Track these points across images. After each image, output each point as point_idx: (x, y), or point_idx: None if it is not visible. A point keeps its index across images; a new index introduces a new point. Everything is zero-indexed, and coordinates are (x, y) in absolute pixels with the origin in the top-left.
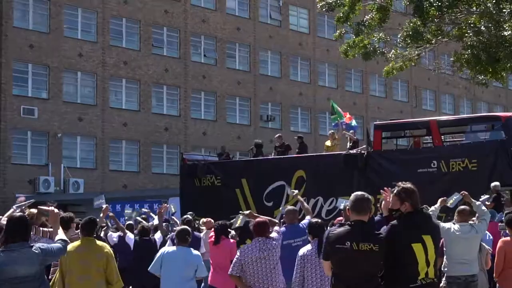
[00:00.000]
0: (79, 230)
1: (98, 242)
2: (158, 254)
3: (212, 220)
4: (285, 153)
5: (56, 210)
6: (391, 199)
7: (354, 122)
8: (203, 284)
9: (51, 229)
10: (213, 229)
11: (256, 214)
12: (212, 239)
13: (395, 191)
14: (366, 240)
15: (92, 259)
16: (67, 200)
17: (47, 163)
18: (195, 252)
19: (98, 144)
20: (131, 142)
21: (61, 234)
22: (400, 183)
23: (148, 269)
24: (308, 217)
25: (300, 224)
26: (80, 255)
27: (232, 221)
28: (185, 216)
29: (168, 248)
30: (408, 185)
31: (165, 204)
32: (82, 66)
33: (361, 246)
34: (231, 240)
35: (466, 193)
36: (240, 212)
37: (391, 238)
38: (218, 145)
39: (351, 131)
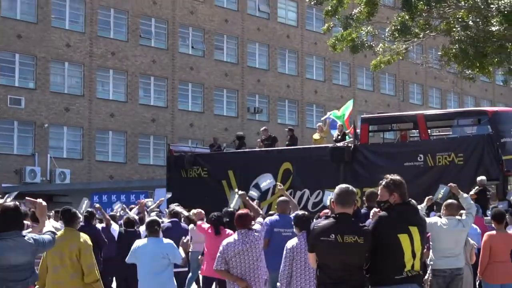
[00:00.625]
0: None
1: (76, 233)
2: (132, 248)
3: (203, 211)
4: (272, 146)
5: (44, 203)
6: (379, 191)
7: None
8: (190, 274)
9: (35, 224)
10: (204, 220)
11: (249, 199)
12: (210, 230)
13: (383, 183)
14: (351, 232)
15: (66, 250)
16: (53, 190)
17: (34, 153)
18: (166, 240)
19: (85, 134)
20: (118, 133)
21: (49, 226)
22: (388, 175)
23: (126, 260)
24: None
25: (291, 216)
26: (57, 246)
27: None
28: (171, 208)
29: (140, 241)
30: (396, 176)
31: (143, 201)
32: (70, 57)
33: (345, 238)
34: (230, 231)
35: (454, 185)
36: (236, 190)
37: (379, 229)
38: (205, 137)
39: (339, 124)
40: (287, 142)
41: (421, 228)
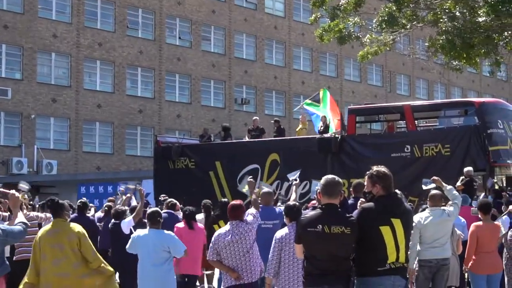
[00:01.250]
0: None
1: (68, 224)
2: (131, 239)
3: (178, 203)
4: (259, 137)
5: (16, 194)
6: (365, 182)
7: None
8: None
9: (4, 213)
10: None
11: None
12: (183, 225)
13: (368, 174)
14: (337, 223)
15: (65, 241)
16: (40, 181)
17: (20, 144)
18: (168, 232)
19: (72, 125)
20: (105, 123)
21: (21, 217)
22: (374, 166)
23: (126, 248)
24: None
25: (276, 208)
26: (51, 239)
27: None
28: (169, 200)
29: (140, 231)
30: (381, 168)
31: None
32: (57, 47)
33: (332, 229)
34: (200, 225)
35: (437, 178)
36: (248, 179)
37: (360, 220)
38: (193, 128)
39: (322, 115)
40: (274, 134)
41: (405, 220)
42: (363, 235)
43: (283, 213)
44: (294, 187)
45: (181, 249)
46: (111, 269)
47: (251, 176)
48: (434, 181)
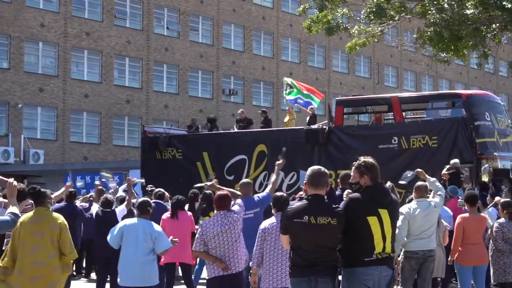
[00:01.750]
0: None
1: (51, 213)
2: (118, 226)
3: (167, 193)
4: (247, 128)
5: (14, 182)
6: (352, 173)
7: (315, 98)
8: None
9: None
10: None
11: (219, 186)
12: (167, 215)
13: (355, 165)
14: (324, 213)
15: (46, 230)
16: (27, 171)
17: (7, 134)
18: (156, 226)
19: (59, 115)
20: (92, 113)
21: (13, 208)
22: (361, 157)
23: (108, 240)
24: (267, 190)
25: (254, 197)
26: (33, 226)
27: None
28: (157, 190)
29: (129, 220)
30: (369, 159)
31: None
32: (44, 37)
33: (319, 219)
34: (189, 213)
35: (421, 170)
36: (205, 183)
37: (347, 211)
38: (180, 118)
39: (310, 107)
40: (261, 124)
41: (391, 210)
42: (350, 225)
43: (271, 203)
44: (276, 167)
45: (164, 246)
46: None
47: (205, 184)
48: (418, 173)
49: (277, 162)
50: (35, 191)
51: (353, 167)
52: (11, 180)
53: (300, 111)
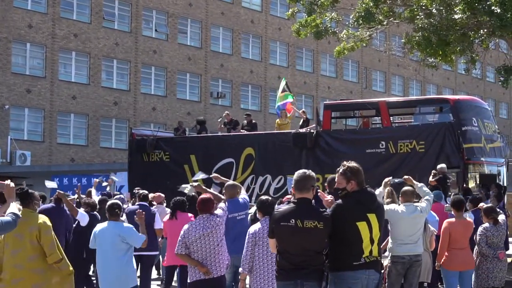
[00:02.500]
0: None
1: (34, 214)
2: (93, 231)
3: (163, 195)
4: (233, 130)
5: (12, 184)
6: (336, 178)
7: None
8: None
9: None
10: (164, 204)
11: (205, 188)
12: (167, 217)
13: (340, 170)
14: (310, 217)
15: (25, 232)
16: (13, 172)
17: None
18: (126, 225)
19: (46, 116)
20: (80, 115)
21: (13, 207)
22: (345, 162)
23: (90, 245)
24: (244, 193)
25: (239, 199)
26: (16, 228)
27: (181, 186)
28: (142, 192)
29: (100, 224)
30: (353, 164)
31: (96, 180)
32: (32, 38)
33: (305, 223)
34: (189, 214)
35: (408, 177)
36: (190, 184)
37: (336, 216)
38: (168, 121)
39: (302, 110)
40: (246, 127)
41: (379, 215)
42: (339, 230)
43: (256, 207)
44: (213, 188)
45: (138, 240)
46: (71, 267)
47: (190, 184)
48: (406, 180)
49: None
50: (23, 192)
51: (338, 173)
52: (7, 182)
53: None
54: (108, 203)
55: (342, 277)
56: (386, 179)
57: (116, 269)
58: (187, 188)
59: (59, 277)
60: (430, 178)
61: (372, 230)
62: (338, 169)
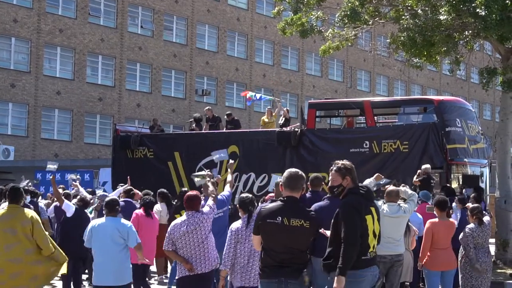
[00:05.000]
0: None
1: (24, 209)
2: (89, 227)
3: (140, 192)
4: (216, 126)
5: None
6: (330, 176)
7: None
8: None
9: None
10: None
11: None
12: (142, 211)
13: (334, 168)
14: (297, 216)
15: (18, 226)
16: None
17: None
18: (125, 221)
19: (30, 111)
20: (64, 111)
21: None
22: (337, 161)
23: (85, 243)
24: (228, 189)
25: (219, 196)
26: (4, 224)
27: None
28: (127, 187)
29: (97, 220)
30: (346, 161)
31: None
32: (17, 32)
33: (292, 221)
34: (156, 216)
35: (378, 174)
36: (207, 172)
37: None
38: (152, 117)
39: (286, 108)
40: (229, 126)
41: (377, 209)
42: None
43: (237, 205)
44: (229, 169)
45: (135, 240)
46: (65, 256)
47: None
48: (375, 178)
49: (229, 163)
50: (14, 188)
51: (333, 170)
52: None
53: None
54: (107, 199)
55: (351, 276)
56: (377, 174)
57: (116, 264)
58: (198, 177)
59: (54, 266)
60: (414, 178)
61: (374, 224)
62: (331, 168)
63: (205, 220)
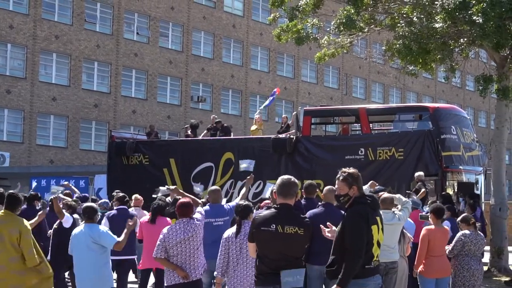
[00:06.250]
0: None
1: (15, 217)
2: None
3: (142, 198)
4: (215, 135)
5: None
6: (336, 184)
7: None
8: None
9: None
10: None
11: (182, 191)
12: (146, 219)
13: (341, 177)
14: (291, 223)
15: (5, 234)
16: None
17: None
18: (102, 227)
19: (26, 117)
20: (60, 117)
21: None
22: (343, 168)
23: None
24: (237, 201)
25: (224, 205)
26: None
27: (155, 190)
28: (122, 195)
29: (77, 228)
30: (353, 170)
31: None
32: (13, 38)
33: (286, 229)
34: (168, 219)
35: (372, 181)
36: (167, 186)
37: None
38: (148, 124)
39: (284, 116)
40: (220, 134)
41: (381, 219)
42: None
43: (234, 211)
44: (246, 182)
45: (110, 241)
46: (51, 270)
47: (166, 186)
48: (370, 185)
49: (248, 178)
50: (12, 195)
51: (339, 179)
52: None
53: (268, 119)
54: (83, 206)
55: (356, 284)
56: (373, 182)
57: (92, 271)
58: (160, 191)
59: (37, 279)
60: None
61: (379, 233)
62: (338, 176)
63: (199, 228)
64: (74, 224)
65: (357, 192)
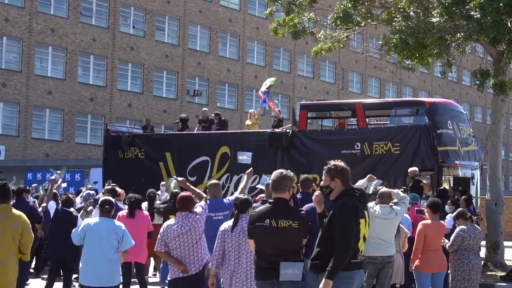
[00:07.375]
0: None
1: (15, 211)
2: (82, 225)
3: (123, 192)
4: (209, 128)
5: None
6: (323, 176)
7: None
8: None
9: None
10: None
11: (189, 184)
12: (125, 213)
13: (325, 169)
14: (285, 216)
15: (8, 228)
16: None
17: None
18: (118, 223)
19: (22, 111)
20: (55, 110)
21: None
22: (331, 161)
23: (74, 241)
24: (236, 195)
25: (224, 199)
26: None
27: (164, 186)
28: (112, 185)
29: (91, 219)
30: (339, 162)
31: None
32: (8, 31)
33: (280, 223)
34: (145, 213)
35: (370, 175)
36: (174, 177)
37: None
38: (144, 118)
39: (277, 109)
40: (217, 127)
41: (368, 213)
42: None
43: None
44: (246, 176)
45: (129, 243)
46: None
47: (174, 176)
48: (368, 179)
49: (248, 171)
50: (4, 188)
51: (324, 171)
52: None
53: (264, 114)
54: (101, 199)
55: (340, 277)
56: (371, 175)
57: (108, 264)
58: (172, 183)
59: (15, 276)
60: (427, 193)
61: (365, 228)
62: (324, 167)
63: (199, 221)
64: (69, 219)
65: (340, 185)
